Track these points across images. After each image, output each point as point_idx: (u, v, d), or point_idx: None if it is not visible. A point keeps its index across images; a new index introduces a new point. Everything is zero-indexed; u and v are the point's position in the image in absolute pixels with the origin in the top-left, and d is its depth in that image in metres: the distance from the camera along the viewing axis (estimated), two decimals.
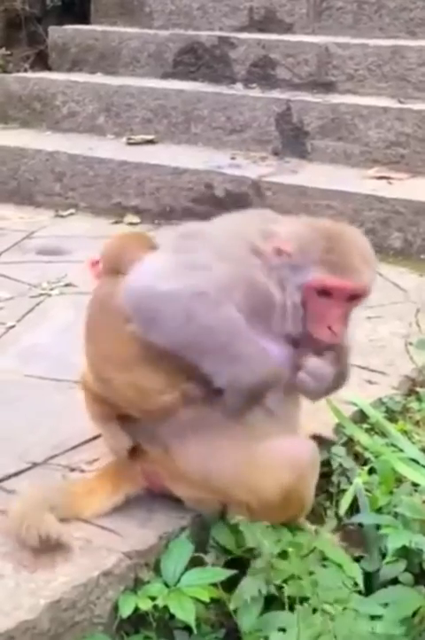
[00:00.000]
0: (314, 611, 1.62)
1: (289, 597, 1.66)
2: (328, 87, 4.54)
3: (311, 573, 1.70)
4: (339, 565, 1.80)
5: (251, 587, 1.67)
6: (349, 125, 4.22)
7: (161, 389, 1.80)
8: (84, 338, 1.92)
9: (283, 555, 1.77)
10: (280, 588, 1.71)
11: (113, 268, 1.97)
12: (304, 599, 1.65)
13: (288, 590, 1.64)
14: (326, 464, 2.15)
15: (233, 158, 4.34)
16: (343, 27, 4.90)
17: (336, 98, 4.38)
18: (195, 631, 1.66)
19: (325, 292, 1.83)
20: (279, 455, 1.82)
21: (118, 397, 1.86)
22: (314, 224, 1.91)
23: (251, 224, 1.93)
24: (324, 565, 1.80)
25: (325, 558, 1.82)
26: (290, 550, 1.76)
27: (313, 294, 1.84)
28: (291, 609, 1.65)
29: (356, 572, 1.81)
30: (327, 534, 1.89)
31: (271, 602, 1.73)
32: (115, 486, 1.87)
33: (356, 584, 1.77)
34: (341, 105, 4.27)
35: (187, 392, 1.80)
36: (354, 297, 1.85)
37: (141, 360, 1.80)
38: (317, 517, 2.01)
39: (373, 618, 1.66)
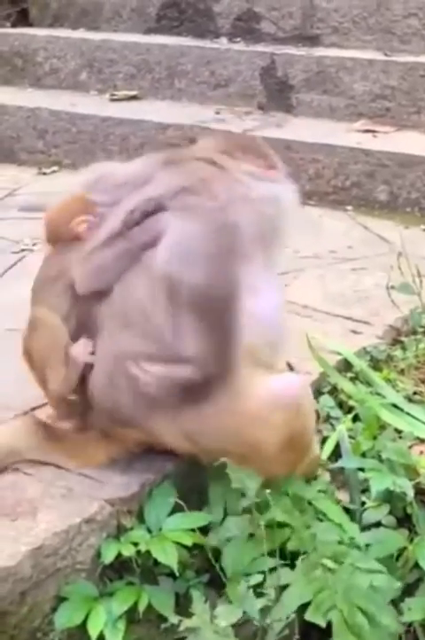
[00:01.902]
0: (314, 566, 1.62)
1: (289, 551, 1.65)
2: (313, 40, 4.48)
3: (308, 527, 1.68)
4: (339, 525, 1.78)
5: (234, 527, 1.66)
6: (334, 78, 4.17)
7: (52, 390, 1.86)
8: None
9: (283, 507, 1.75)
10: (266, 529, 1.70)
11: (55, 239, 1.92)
12: (300, 553, 1.64)
13: (289, 545, 1.64)
14: None
15: (217, 113, 4.29)
16: None
17: (320, 51, 4.33)
18: (177, 574, 1.66)
19: None
20: (267, 400, 1.72)
21: None
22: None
23: None
24: (320, 519, 1.78)
25: (321, 512, 1.80)
26: (288, 502, 1.74)
27: None
28: (282, 557, 1.65)
29: (354, 530, 1.78)
30: (321, 487, 1.87)
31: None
32: (102, 446, 1.83)
33: (351, 538, 1.75)
34: (326, 58, 4.22)
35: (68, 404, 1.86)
36: None
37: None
38: None
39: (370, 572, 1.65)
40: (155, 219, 1.74)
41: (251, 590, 1.56)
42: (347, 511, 1.84)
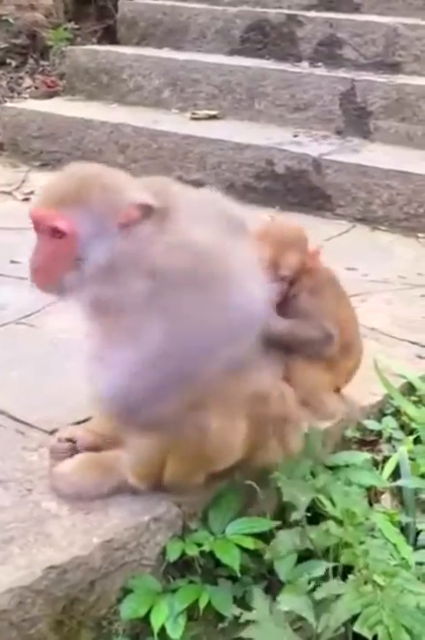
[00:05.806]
0: (365, 581, 1.68)
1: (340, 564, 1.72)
2: (395, 68, 4.54)
3: (361, 542, 1.75)
4: (394, 545, 1.83)
5: (286, 540, 1.74)
6: (413, 106, 4.22)
7: None
8: None
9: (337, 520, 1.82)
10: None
11: None
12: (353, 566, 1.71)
13: (343, 559, 1.71)
14: (375, 433, 2.22)
15: (295, 135, 4.38)
16: (411, 8, 4.89)
17: (401, 79, 4.39)
18: (239, 576, 1.74)
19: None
20: None
21: None
22: None
23: None
24: (374, 536, 1.84)
25: (376, 529, 1.86)
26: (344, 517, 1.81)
27: None
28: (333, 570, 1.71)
29: (407, 551, 1.83)
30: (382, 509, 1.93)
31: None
32: None
33: (403, 559, 1.80)
34: (406, 85, 4.28)
35: None
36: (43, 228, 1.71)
37: None
38: None
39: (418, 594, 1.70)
40: None
41: (307, 593, 1.63)
42: (403, 529, 1.90)
